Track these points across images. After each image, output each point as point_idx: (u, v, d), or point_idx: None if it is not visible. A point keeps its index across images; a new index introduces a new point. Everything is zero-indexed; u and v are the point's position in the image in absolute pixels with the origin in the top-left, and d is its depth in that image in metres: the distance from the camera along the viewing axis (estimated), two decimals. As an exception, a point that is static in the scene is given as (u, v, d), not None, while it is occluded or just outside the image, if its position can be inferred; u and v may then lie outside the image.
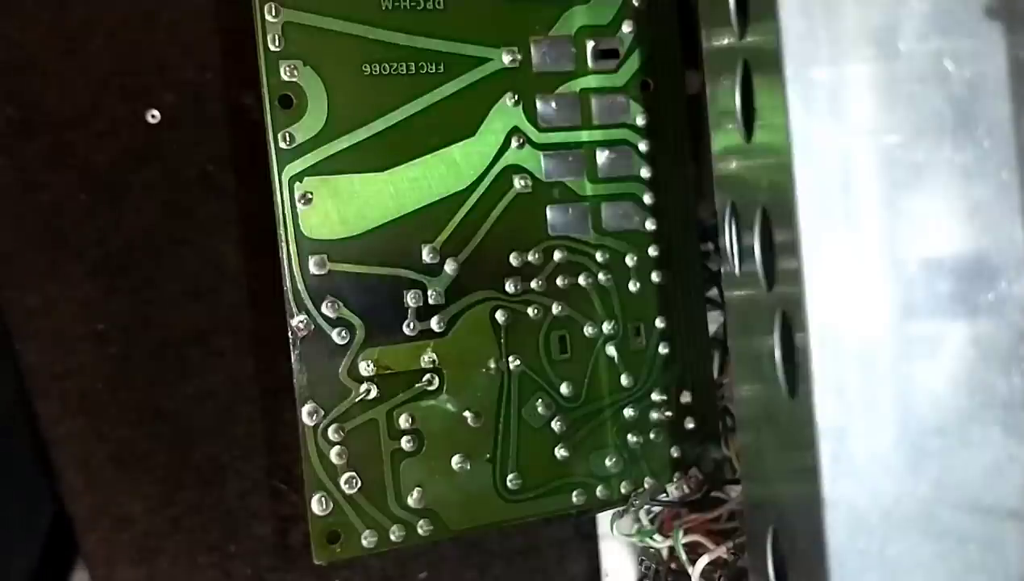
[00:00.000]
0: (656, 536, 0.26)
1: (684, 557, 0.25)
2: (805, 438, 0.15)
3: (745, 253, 0.17)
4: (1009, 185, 0.15)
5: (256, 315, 0.27)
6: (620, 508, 0.26)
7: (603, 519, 0.29)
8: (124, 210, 0.26)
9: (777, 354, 0.16)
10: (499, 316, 0.24)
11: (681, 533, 0.25)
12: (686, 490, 0.26)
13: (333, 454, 0.23)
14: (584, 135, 0.25)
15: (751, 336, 0.17)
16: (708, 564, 0.24)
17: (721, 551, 0.24)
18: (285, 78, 0.22)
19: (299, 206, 0.23)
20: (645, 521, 0.27)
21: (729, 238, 0.18)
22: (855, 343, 0.15)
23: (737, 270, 0.18)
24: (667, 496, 0.26)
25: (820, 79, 0.15)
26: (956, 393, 0.15)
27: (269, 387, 0.27)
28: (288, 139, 0.22)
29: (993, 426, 0.15)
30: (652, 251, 0.26)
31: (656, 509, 0.26)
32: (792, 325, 0.15)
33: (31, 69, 0.26)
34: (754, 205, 0.16)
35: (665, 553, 0.27)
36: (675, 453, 0.26)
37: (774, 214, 0.16)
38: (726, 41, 0.17)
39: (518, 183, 0.24)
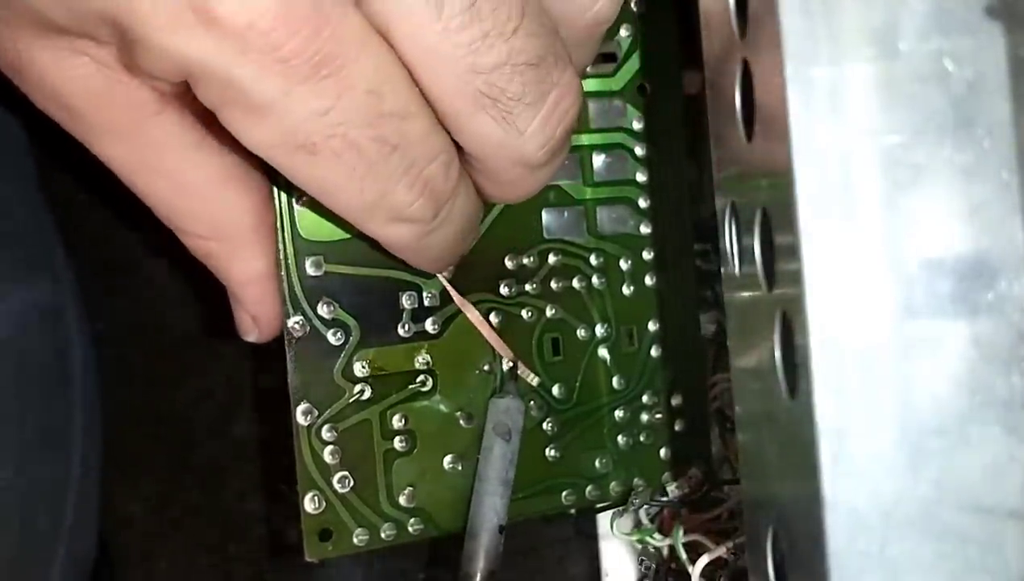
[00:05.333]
0: (656, 536, 0.26)
1: (684, 557, 0.25)
2: (805, 438, 0.15)
3: (745, 254, 0.17)
4: (1009, 185, 0.15)
5: (255, 316, 0.27)
6: (620, 508, 0.26)
7: (603, 519, 0.29)
8: (124, 210, 0.26)
9: (777, 354, 0.16)
10: (493, 318, 0.24)
11: (681, 533, 0.25)
12: (686, 490, 0.26)
13: (326, 453, 0.23)
14: (582, 138, 0.25)
15: (751, 336, 0.17)
16: (708, 564, 0.24)
17: (721, 551, 0.24)
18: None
19: (296, 207, 0.23)
20: (645, 521, 0.27)
21: (729, 239, 0.18)
22: (855, 343, 0.15)
23: (737, 271, 0.18)
24: (667, 496, 0.26)
25: (820, 79, 0.15)
26: (956, 393, 0.15)
27: (268, 388, 0.27)
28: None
29: (993, 426, 0.15)
30: (647, 255, 0.26)
31: (656, 509, 0.26)
32: (792, 325, 0.15)
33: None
34: (754, 206, 0.16)
35: (665, 553, 0.27)
36: (664, 455, 0.26)
37: (774, 215, 0.16)
38: (726, 41, 0.17)
39: (515, 185, 0.24)
